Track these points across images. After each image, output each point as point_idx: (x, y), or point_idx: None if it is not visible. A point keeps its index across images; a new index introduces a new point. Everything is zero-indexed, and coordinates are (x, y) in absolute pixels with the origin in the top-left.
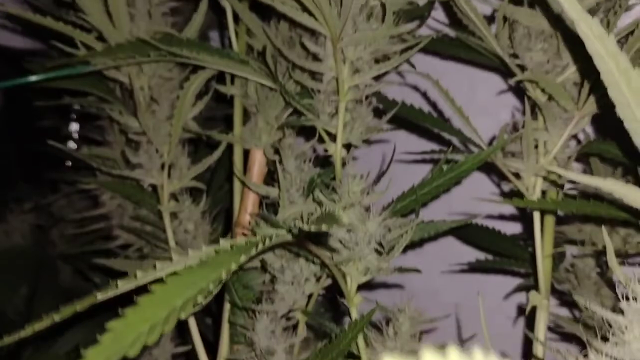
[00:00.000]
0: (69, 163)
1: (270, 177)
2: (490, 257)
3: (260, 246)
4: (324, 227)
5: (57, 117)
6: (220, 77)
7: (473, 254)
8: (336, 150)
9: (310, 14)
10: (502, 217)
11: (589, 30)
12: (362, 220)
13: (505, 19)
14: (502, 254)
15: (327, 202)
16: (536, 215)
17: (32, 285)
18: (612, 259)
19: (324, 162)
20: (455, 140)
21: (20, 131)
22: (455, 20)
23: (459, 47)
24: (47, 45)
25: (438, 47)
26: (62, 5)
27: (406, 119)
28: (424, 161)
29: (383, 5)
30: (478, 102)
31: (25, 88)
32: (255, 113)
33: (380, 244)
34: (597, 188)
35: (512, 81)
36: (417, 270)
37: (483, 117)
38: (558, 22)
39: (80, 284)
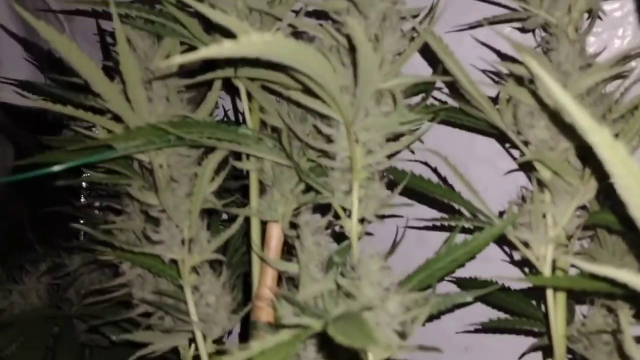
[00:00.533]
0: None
1: (287, 249)
2: (501, 314)
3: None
4: (348, 325)
5: (71, 177)
6: (236, 152)
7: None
8: (352, 227)
9: (323, 101)
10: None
11: (600, 139)
12: (382, 299)
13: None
14: (514, 311)
15: (346, 284)
16: (549, 292)
17: (51, 347)
18: (628, 342)
19: (339, 235)
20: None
21: (32, 190)
22: (456, 91)
23: (461, 116)
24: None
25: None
26: (79, 89)
27: (416, 190)
28: (434, 227)
29: (393, 94)
30: (477, 153)
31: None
32: (270, 186)
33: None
34: None
35: (519, 161)
36: (438, 350)
37: (483, 167)
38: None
39: (96, 338)
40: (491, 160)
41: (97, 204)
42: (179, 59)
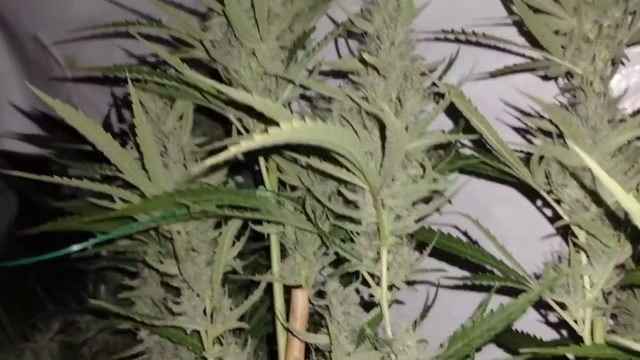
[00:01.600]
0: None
1: (312, 318)
2: None
3: None
4: None
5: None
6: None
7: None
8: (382, 295)
9: (347, 168)
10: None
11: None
12: None
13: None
14: None
15: None
16: None
17: None
18: None
19: (368, 302)
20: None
21: (38, 243)
22: (481, 144)
23: (486, 167)
24: (57, 152)
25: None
26: (94, 159)
27: (445, 251)
28: (465, 287)
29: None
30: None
31: (43, 193)
32: (292, 249)
33: None
34: None
35: (556, 225)
36: None
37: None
38: None
39: None
40: (513, 201)
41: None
42: (222, 156)
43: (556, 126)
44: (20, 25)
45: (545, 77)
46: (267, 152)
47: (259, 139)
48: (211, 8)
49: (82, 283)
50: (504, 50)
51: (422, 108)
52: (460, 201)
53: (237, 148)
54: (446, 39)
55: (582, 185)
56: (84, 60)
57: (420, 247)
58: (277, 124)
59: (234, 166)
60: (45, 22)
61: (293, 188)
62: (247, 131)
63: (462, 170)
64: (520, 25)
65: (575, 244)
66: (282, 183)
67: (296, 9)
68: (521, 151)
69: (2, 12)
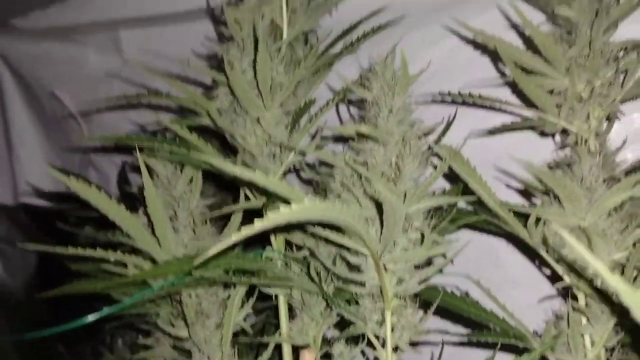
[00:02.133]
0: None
1: None
2: None
3: None
4: None
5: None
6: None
7: None
8: (387, 357)
9: (349, 235)
10: None
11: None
12: None
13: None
14: None
15: None
16: None
17: None
18: None
19: None
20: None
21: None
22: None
23: (485, 224)
24: (72, 205)
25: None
26: (106, 226)
27: (448, 309)
28: (469, 344)
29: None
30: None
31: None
32: (300, 309)
33: None
34: None
35: (556, 286)
36: None
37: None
38: None
39: None
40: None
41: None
42: (239, 235)
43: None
44: (38, 82)
45: (543, 134)
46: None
47: (284, 212)
48: (216, 79)
49: (99, 337)
50: (502, 110)
51: (421, 172)
52: (468, 248)
53: (265, 222)
54: (443, 101)
55: None
56: (99, 117)
57: (424, 305)
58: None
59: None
60: (62, 79)
61: (299, 248)
62: (254, 190)
63: (466, 225)
64: (513, 85)
65: (574, 304)
66: (288, 243)
67: (298, 77)
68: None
69: (21, 69)
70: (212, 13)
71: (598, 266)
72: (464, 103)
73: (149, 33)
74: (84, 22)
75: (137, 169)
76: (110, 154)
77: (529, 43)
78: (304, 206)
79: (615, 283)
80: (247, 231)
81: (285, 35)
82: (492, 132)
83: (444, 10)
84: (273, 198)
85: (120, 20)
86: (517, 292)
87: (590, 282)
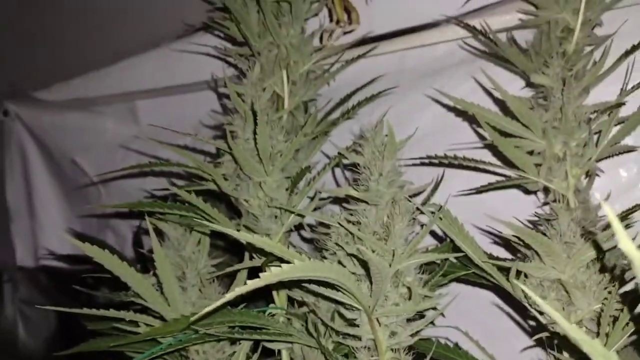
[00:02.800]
0: None
1: None
2: None
3: None
4: None
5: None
6: None
7: None
8: None
9: (344, 292)
10: None
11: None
12: None
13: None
14: None
15: None
16: None
17: None
18: None
19: None
20: None
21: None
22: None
23: (472, 277)
24: (89, 267)
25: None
26: (120, 286)
27: None
28: None
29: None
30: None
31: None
32: None
33: None
34: None
35: (535, 337)
36: None
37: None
38: None
39: None
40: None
41: None
42: (232, 294)
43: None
44: (59, 149)
45: (527, 191)
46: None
47: (285, 269)
48: (220, 149)
49: None
50: (486, 171)
51: (411, 230)
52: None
53: (265, 279)
54: (431, 163)
55: (558, 299)
56: (116, 182)
57: (419, 356)
58: None
59: None
60: (82, 147)
61: (301, 304)
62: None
63: (458, 279)
64: (495, 147)
65: (556, 354)
66: (290, 299)
67: (297, 145)
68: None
69: (44, 138)
70: (215, 87)
71: (557, 318)
72: (450, 164)
73: (163, 103)
74: (103, 94)
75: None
76: (126, 218)
77: (507, 109)
78: (294, 266)
79: (574, 333)
80: (241, 290)
81: (286, 105)
82: (481, 191)
83: (431, 79)
84: (270, 257)
85: (136, 92)
86: (507, 342)
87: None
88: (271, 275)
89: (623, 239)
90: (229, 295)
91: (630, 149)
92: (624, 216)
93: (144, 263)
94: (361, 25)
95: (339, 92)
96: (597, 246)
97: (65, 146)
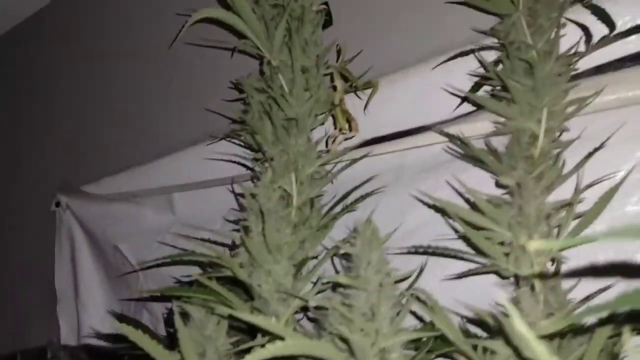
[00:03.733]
0: None
1: None
2: None
3: None
4: None
5: None
6: None
7: None
8: None
9: None
10: None
11: None
12: None
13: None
14: None
15: None
16: None
17: None
18: None
19: None
20: None
21: None
22: None
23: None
24: (126, 345)
25: None
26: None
27: None
28: None
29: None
30: None
31: None
32: None
33: None
34: None
35: None
36: None
37: None
38: None
39: None
40: None
41: None
42: None
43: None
44: (104, 236)
45: (502, 276)
46: None
47: (279, 346)
48: (235, 242)
49: None
50: (462, 258)
51: (396, 312)
52: None
53: (260, 354)
54: (417, 252)
55: None
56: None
57: None
58: None
59: None
60: (124, 234)
61: None
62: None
63: (442, 355)
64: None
65: None
66: None
67: (301, 238)
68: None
69: (90, 227)
70: (232, 188)
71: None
72: (434, 253)
73: (196, 195)
74: (144, 187)
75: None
76: (159, 301)
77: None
78: (285, 344)
79: None
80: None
81: (295, 202)
82: (461, 276)
83: (429, 174)
84: (273, 336)
85: (173, 186)
86: None
87: None
88: (266, 351)
89: (517, 324)
90: None
91: (588, 240)
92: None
93: (173, 341)
94: (365, 129)
95: (346, 187)
96: (553, 324)
97: (109, 234)
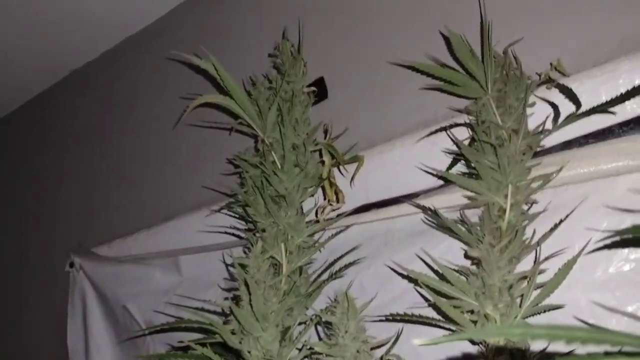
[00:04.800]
0: None
1: None
2: None
3: None
4: None
5: None
6: None
7: None
8: None
9: None
10: None
11: None
12: None
13: None
14: None
15: None
16: None
17: None
18: None
19: None
20: None
21: None
22: None
23: None
24: None
25: None
26: None
27: None
28: None
29: None
30: None
31: None
32: None
33: None
34: None
35: None
36: None
37: None
38: None
39: None
40: None
41: None
42: None
43: None
44: (114, 297)
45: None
46: None
47: None
48: (228, 310)
49: None
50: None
51: None
52: None
53: None
54: (394, 320)
55: None
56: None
57: None
58: None
59: None
60: (132, 294)
61: None
62: None
63: None
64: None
65: None
66: None
67: (289, 305)
68: None
69: (101, 287)
70: (223, 259)
71: None
72: (408, 321)
73: (201, 257)
74: (152, 250)
75: None
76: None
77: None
78: None
79: None
80: None
81: (284, 271)
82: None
83: (416, 238)
84: None
85: (179, 249)
86: None
87: None
88: None
89: None
90: None
91: (551, 308)
92: None
93: None
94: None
95: (338, 252)
96: None
97: (119, 294)
